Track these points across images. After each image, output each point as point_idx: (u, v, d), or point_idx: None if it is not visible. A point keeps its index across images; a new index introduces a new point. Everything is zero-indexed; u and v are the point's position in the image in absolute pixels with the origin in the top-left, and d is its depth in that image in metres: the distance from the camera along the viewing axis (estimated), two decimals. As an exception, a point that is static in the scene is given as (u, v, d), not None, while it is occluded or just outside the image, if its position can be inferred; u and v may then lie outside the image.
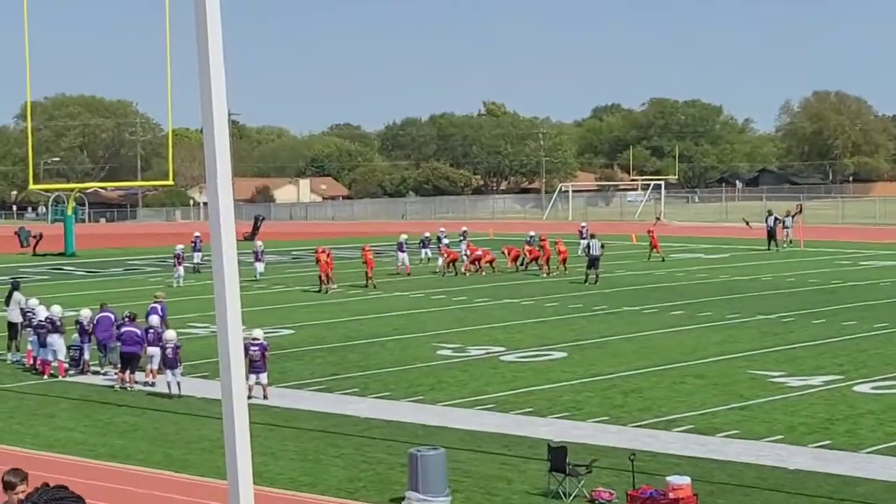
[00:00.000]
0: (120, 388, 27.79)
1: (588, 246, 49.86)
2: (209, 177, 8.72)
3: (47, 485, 6.36)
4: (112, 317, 29.95)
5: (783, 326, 35.71)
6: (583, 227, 65.12)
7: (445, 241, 58.56)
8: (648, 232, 61.49)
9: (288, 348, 33.00)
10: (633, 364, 29.63)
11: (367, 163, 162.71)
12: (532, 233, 59.26)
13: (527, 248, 55.44)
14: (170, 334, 27.73)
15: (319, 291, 47.04)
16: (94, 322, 30.00)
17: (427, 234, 61.36)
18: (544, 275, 52.44)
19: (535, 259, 54.04)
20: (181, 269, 50.96)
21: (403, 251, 54.94)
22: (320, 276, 47.75)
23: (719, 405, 24.59)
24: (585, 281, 48.42)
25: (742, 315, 38.21)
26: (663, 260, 58.11)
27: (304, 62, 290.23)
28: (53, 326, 29.68)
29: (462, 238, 61.71)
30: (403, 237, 56.73)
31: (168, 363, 26.96)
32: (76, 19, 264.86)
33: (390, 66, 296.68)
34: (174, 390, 26.72)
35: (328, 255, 48.49)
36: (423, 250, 59.65)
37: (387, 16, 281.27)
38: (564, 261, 52.99)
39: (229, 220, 8.83)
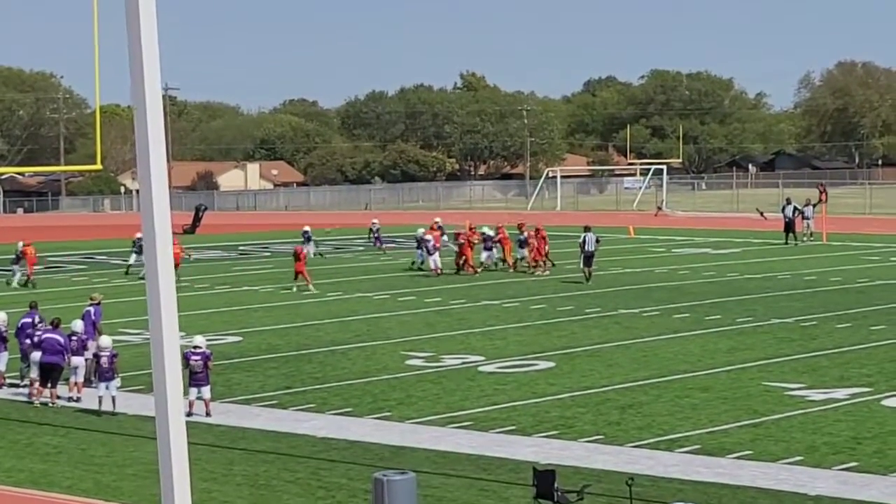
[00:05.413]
0: (40, 404, 27.66)
1: (584, 241, 49.75)
2: (140, 161, 8.68)
3: None
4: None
5: (802, 332, 35.84)
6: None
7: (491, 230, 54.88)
8: (536, 232, 53.70)
9: (235, 358, 32.94)
10: (630, 375, 29.69)
11: (326, 144, 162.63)
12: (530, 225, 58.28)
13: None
14: (105, 341, 27.58)
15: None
16: (18, 326, 29.92)
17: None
18: (535, 271, 52.15)
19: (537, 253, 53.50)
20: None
21: (420, 248, 54.00)
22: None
23: (729, 422, 24.65)
24: (587, 280, 48.36)
25: (755, 318, 38.33)
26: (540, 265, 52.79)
27: (252, 27, 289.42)
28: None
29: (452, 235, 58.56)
30: (420, 231, 55.92)
31: (102, 375, 26.73)
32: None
33: (352, 32, 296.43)
34: (106, 406, 26.55)
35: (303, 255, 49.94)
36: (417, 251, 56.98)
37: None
38: (547, 255, 53.15)
39: (164, 211, 8.79)
